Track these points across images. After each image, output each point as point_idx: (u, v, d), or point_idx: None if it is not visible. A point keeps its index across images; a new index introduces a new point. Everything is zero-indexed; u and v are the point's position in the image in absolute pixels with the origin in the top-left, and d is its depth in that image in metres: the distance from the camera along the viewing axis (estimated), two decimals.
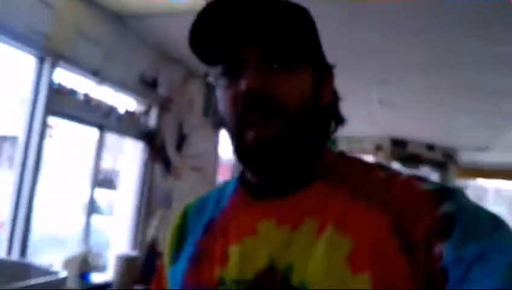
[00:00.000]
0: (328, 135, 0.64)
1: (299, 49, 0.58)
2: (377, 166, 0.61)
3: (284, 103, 0.56)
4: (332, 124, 0.64)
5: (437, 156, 5.48)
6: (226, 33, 0.57)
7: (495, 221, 0.49)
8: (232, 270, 0.57)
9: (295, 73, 0.57)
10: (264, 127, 0.55)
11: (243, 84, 0.55)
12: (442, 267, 0.46)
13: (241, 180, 0.66)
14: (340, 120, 0.65)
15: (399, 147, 5.01)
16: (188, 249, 0.64)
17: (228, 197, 0.66)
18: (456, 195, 0.52)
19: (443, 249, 0.46)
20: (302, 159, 0.60)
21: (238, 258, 0.57)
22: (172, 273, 0.66)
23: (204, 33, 0.58)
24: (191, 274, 0.61)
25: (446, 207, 0.49)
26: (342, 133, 0.68)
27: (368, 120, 4.19)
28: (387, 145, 4.93)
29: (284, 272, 0.53)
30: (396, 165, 5.21)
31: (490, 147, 5.15)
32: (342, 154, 0.64)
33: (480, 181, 7.25)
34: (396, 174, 0.58)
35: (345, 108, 0.66)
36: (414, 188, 0.53)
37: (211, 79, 0.62)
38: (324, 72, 0.63)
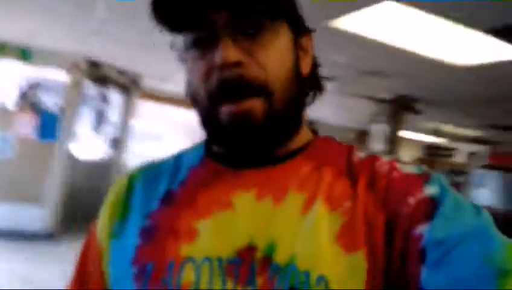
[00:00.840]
0: (305, 106, 0.59)
1: (274, 7, 0.51)
2: (354, 147, 0.58)
3: (263, 78, 0.51)
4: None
5: (125, 80, 6.17)
6: None
7: (475, 209, 0.48)
8: (202, 247, 0.51)
9: (273, 39, 0.52)
10: (241, 102, 0.50)
11: (217, 58, 0.49)
12: (421, 248, 0.45)
13: (206, 151, 0.60)
14: (319, 89, 0.61)
15: (94, 67, 5.42)
16: (137, 222, 0.57)
17: (189, 169, 0.60)
18: (439, 180, 0.51)
19: (424, 231, 0.46)
20: (282, 136, 0.56)
21: (210, 235, 0.52)
22: (116, 247, 0.58)
23: None
24: (146, 250, 0.54)
25: (430, 190, 0.49)
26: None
27: (67, 36, 4.34)
28: (83, 65, 5.24)
29: (266, 250, 0.49)
30: (89, 85, 5.64)
31: (170, 78, 6.18)
32: (316, 133, 0.61)
33: (160, 107, 8.47)
34: (377, 156, 0.56)
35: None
36: (398, 170, 0.52)
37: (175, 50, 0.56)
38: (302, 35, 0.57)
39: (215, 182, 0.56)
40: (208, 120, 0.55)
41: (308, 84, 0.59)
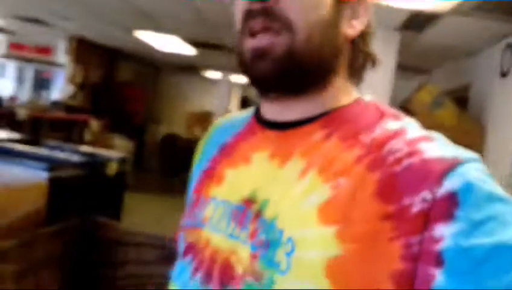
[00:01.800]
0: (353, 72, 0.59)
1: None
2: (392, 115, 0.54)
3: (290, 17, 0.52)
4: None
5: None
6: None
7: (509, 206, 0.43)
8: (222, 191, 0.59)
9: None
10: (265, 34, 0.52)
11: None
12: (439, 251, 0.41)
13: (257, 108, 0.64)
14: (367, 58, 0.59)
15: None
16: (203, 164, 0.67)
17: (244, 123, 0.65)
18: (465, 167, 0.44)
19: (445, 233, 0.41)
20: (305, 83, 0.55)
21: (230, 182, 0.59)
22: (191, 182, 0.69)
23: None
24: (197, 185, 0.65)
25: (451, 183, 0.43)
26: None
27: None
28: None
29: (261, 204, 0.53)
30: None
31: None
32: (359, 100, 0.58)
33: None
34: (406, 129, 0.51)
35: None
36: (419, 154, 0.46)
37: None
38: None
39: (249, 138, 0.61)
40: (239, 58, 0.57)
41: (352, 48, 0.58)
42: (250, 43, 0.53)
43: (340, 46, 0.57)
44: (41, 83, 7.96)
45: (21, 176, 1.81)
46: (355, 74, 0.60)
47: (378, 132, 0.51)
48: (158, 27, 5.09)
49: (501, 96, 3.47)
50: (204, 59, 7.13)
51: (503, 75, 3.40)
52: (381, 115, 0.54)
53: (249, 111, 0.68)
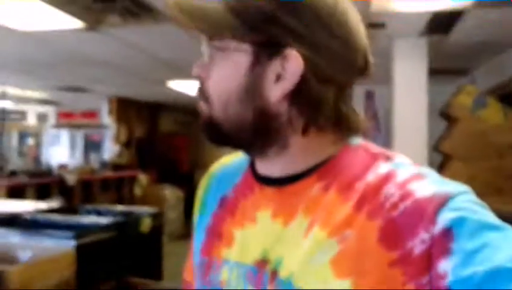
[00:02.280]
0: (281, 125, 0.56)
1: (219, 30, 0.54)
2: (383, 157, 0.55)
3: (209, 90, 0.57)
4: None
5: None
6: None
7: (501, 232, 0.44)
8: (234, 252, 0.59)
9: (221, 59, 0.55)
10: (200, 109, 0.59)
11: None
12: (447, 286, 0.43)
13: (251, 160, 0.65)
14: (313, 113, 0.54)
15: None
16: (206, 219, 0.67)
17: (241, 174, 0.65)
18: (455, 201, 0.46)
19: (447, 268, 0.43)
20: (247, 146, 0.59)
21: (240, 243, 0.59)
22: (196, 238, 0.68)
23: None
24: (205, 246, 0.64)
25: (444, 219, 0.45)
26: None
27: None
28: None
29: (275, 265, 0.54)
30: None
31: None
32: (348, 147, 0.58)
33: None
34: (396, 171, 0.52)
35: None
36: (411, 195, 0.48)
37: None
38: (279, 58, 0.52)
39: (250, 194, 0.61)
40: None
41: (291, 109, 0.54)
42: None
43: (270, 109, 0.54)
44: (92, 146, 8.35)
45: (49, 247, 1.82)
46: (330, 124, 0.55)
47: (371, 177, 0.53)
48: (187, 75, 5.21)
49: None
50: None
51: None
52: (372, 159, 0.55)
53: (242, 156, 0.67)
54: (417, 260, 0.45)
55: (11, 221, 2.25)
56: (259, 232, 0.57)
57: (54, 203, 4.60)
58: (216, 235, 0.63)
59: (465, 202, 0.47)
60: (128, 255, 2.23)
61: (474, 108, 3.40)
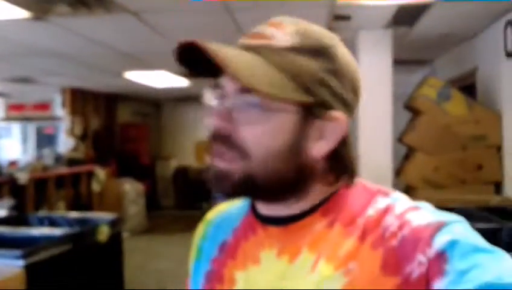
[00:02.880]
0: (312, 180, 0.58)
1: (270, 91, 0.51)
2: (380, 193, 0.59)
3: (247, 146, 0.54)
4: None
5: None
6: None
7: (491, 254, 0.46)
8: None
9: (266, 116, 0.53)
10: (221, 160, 0.55)
11: (212, 123, 0.55)
12: None
13: (252, 202, 0.65)
14: (344, 171, 0.58)
15: None
16: (204, 265, 0.67)
17: (241, 218, 0.66)
18: (449, 227, 0.50)
19: (441, 287, 0.46)
20: (273, 198, 0.58)
21: (243, 284, 0.60)
22: (193, 283, 0.69)
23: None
24: None
25: (439, 242, 0.48)
26: None
27: None
28: None
29: None
30: None
31: None
32: (347, 184, 0.60)
33: None
34: (394, 204, 0.56)
35: None
36: (408, 224, 0.52)
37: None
38: (320, 119, 0.55)
39: (251, 236, 0.62)
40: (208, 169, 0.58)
41: (327, 163, 0.58)
42: (212, 164, 0.56)
43: (309, 165, 0.57)
44: (45, 140, 7.93)
45: None
46: (340, 174, 0.59)
47: (371, 212, 0.56)
48: (145, 66, 4.98)
49: (510, 77, 3.20)
50: (199, 87, 7.00)
51: (509, 55, 3.14)
52: (371, 195, 0.59)
53: (241, 203, 0.69)
54: (416, 283, 0.48)
55: None
56: (264, 272, 0.58)
57: (5, 204, 4.31)
58: (217, 280, 0.63)
59: (458, 228, 0.50)
60: (85, 269, 2.06)
61: (438, 100, 3.41)
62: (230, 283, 0.61)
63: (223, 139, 0.55)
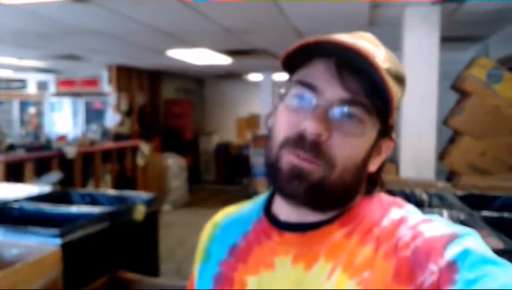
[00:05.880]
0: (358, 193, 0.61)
1: (376, 107, 0.56)
2: (394, 205, 0.61)
3: (336, 156, 0.55)
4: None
5: None
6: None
7: (500, 267, 0.47)
8: None
9: (357, 132, 0.56)
10: (305, 162, 0.55)
11: (308, 126, 0.55)
12: None
13: (266, 207, 0.66)
14: (376, 184, 0.63)
15: None
16: (212, 268, 0.67)
17: (252, 222, 0.66)
18: (462, 238, 0.51)
19: None
20: (330, 206, 0.59)
21: (257, 288, 0.60)
22: (200, 285, 0.68)
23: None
24: None
25: (451, 253, 0.49)
26: None
27: None
28: None
29: None
30: None
31: None
32: (366, 196, 0.62)
33: None
34: (407, 216, 0.58)
35: None
36: (421, 235, 0.53)
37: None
38: (384, 138, 0.60)
39: (265, 241, 0.62)
40: (272, 163, 0.58)
41: (370, 178, 0.62)
42: (292, 159, 0.56)
43: (364, 178, 0.61)
44: (94, 114, 8.23)
45: (33, 247, 1.73)
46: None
47: (386, 223, 0.58)
48: (187, 44, 5.01)
49: None
50: (241, 65, 6.97)
51: None
52: (386, 207, 0.60)
53: (249, 207, 0.70)
54: None
55: None
56: (279, 278, 0.58)
57: (53, 177, 4.55)
58: (227, 284, 0.63)
59: (470, 240, 0.51)
60: (121, 247, 2.14)
61: (488, 82, 3.21)
62: (241, 287, 0.61)
63: (313, 145, 0.55)
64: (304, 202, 0.58)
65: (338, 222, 0.59)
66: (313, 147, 0.55)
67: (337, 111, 0.55)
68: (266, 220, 0.64)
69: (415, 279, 0.50)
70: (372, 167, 0.60)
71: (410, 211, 0.59)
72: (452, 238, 0.51)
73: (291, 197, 0.58)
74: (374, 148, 0.59)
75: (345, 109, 0.55)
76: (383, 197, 0.63)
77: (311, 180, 0.55)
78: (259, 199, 0.70)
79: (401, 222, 0.57)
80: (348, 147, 0.56)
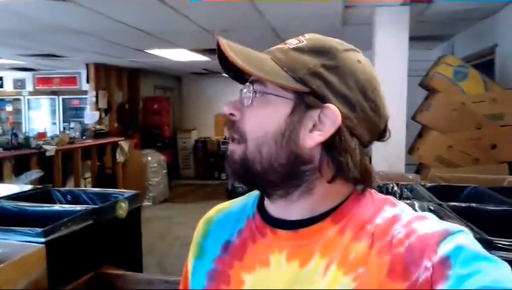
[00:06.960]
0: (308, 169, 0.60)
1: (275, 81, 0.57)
2: (387, 203, 0.61)
3: (246, 131, 0.59)
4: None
5: None
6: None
7: (492, 263, 0.49)
8: None
9: (266, 103, 0.59)
10: (231, 143, 0.61)
11: (225, 109, 0.62)
12: None
13: (258, 203, 0.67)
14: (339, 165, 0.58)
15: None
16: (207, 264, 0.67)
17: (246, 219, 0.67)
18: (455, 235, 0.52)
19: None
20: (274, 187, 0.60)
21: (253, 286, 0.60)
22: (193, 282, 0.69)
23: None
24: None
25: (444, 248, 0.51)
26: None
27: None
28: None
29: None
30: None
31: None
32: (357, 193, 0.62)
33: None
34: (401, 214, 0.58)
35: None
36: (415, 232, 0.54)
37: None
38: (315, 109, 0.58)
39: (260, 238, 0.63)
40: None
41: (327, 154, 0.59)
42: (227, 146, 0.62)
43: (303, 155, 0.59)
44: (72, 112, 8.18)
45: (17, 246, 1.78)
46: (350, 172, 0.59)
47: (379, 220, 0.58)
48: (166, 44, 5.05)
49: None
50: (218, 63, 7.01)
51: None
52: (379, 204, 0.61)
53: (242, 203, 0.71)
54: (422, 287, 0.50)
55: None
56: (275, 275, 0.59)
57: (32, 175, 4.54)
58: (223, 281, 0.64)
59: (462, 237, 0.52)
60: (104, 243, 2.21)
61: (455, 79, 3.37)
62: (238, 285, 0.62)
63: (230, 124, 0.61)
64: (243, 183, 0.63)
65: (330, 218, 0.60)
66: (230, 127, 0.62)
67: (244, 93, 0.61)
68: (259, 217, 0.65)
69: (410, 275, 0.51)
70: (309, 141, 0.58)
71: (403, 208, 0.60)
72: (445, 235, 0.52)
73: (234, 180, 0.62)
74: (297, 120, 0.58)
75: (246, 88, 0.60)
76: (375, 194, 0.63)
77: (234, 159, 0.60)
78: (252, 195, 0.71)
79: (394, 219, 0.57)
80: (255, 119, 0.59)
